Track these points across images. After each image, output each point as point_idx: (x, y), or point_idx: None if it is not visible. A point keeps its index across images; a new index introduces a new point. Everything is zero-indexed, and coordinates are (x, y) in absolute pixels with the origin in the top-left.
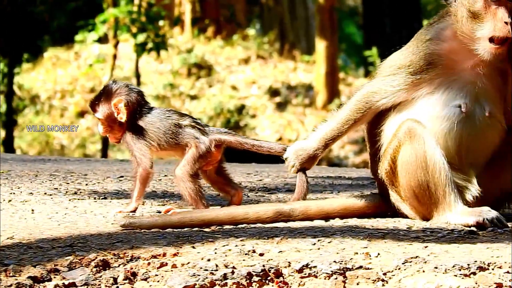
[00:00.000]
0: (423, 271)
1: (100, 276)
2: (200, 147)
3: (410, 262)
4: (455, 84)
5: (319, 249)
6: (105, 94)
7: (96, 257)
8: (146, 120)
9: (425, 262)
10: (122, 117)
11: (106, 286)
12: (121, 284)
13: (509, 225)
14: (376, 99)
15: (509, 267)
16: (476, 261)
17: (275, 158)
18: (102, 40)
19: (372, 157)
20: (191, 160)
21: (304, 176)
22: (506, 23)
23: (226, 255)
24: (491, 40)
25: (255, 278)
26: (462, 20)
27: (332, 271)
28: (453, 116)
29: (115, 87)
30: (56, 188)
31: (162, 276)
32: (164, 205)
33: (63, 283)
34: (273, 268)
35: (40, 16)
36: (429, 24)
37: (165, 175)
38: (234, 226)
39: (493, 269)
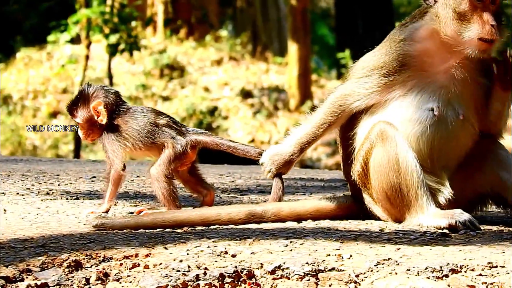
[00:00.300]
0: (396, 273)
1: (73, 277)
2: (176, 148)
3: (383, 264)
4: (429, 87)
5: (291, 250)
6: (82, 98)
7: (69, 258)
8: (122, 120)
9: (398, 264)
10: (103, 119)
11: (78, 286)
12: (93, 285)
13: (482, 228)
14: (350, 102)
15: (482, 270)
16: (448, 264)
17: (248, 160)
18: (75, 40)
19: (344, 159)
20: (167, 160)
21: (280, 181)
22: (492, 25)
23: (198, 256)
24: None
25: (228, 280)
26: (445, 21)
27: (304, 273)
28: (426, 119)
29: (91, 90)
30: (28, 188)
31: (135, 277)
32: (136, 206)
33: (36, 283)
34: (245, 269)
35: (13, 16)
36: (402, 25)
37: (138, 176)
38: (207, 227)
39: (465, 272)
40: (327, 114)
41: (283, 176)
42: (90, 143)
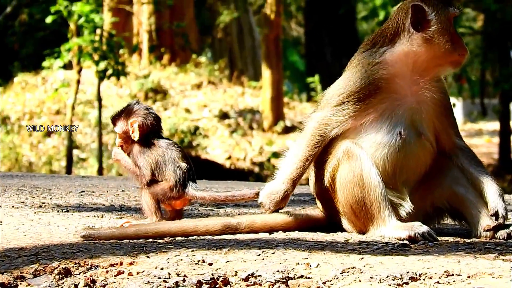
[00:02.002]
0: (360, 281)
1: (63, 283)
2: (173, 191)
3: (348, 272)
4: (398, 109)
5: (263, 259)
6: (126, 112)
7: (59, 265)
8: (153, 143)
9: (361, 272)
10: (135, 136)
11: None
12: None
13: (439, 239)
14: (329, 130)
15: (439, 278)
16: (408, 272)
17: (224, 175)
18: (67, 66)
19: (313, 175)
20: (161, 190)
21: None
22: (462, 42)
23: (178, 264)
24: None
25: (205, 286)
26: (440, 44)
27: (275, 280)
28: (395, 143)
29: (136, 108)
30: (23, 202)
31: (119, 283)
32: (121, 217)
33: None
34: (221, 276)
35: (11, 45)
36: (369, 49)
37: (123, 190)
38: (186, 238)
39: (424, 280)
40: (311, 147)
41: (253, 190)
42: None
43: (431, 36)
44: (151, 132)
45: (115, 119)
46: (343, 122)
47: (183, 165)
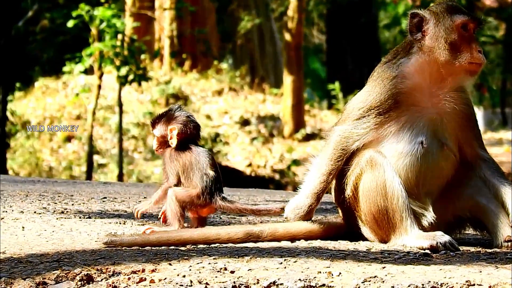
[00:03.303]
0: None
1: None
2: (200, 198)
3: (369, 281)
4: (419, 121)
5: (285, 268)
6: (166, 116)
7: (81, 272)
8: (189, 149)
9: (383, 281)
10: (173, 142)
11: None
12: None
13: (461, 249)
14: (350, 143)
15: (460, 287)
16: (430, 281)
17: (246, 183)
18: (88, 71)
19: (335, 184)
20: (188, 196)
21: None
22: (479, 51)
23: (200, 272)
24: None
25: None
26: (437, 52)
27: None
28: (416, 152)
29: (177, 114)
30: (45, 208)
31: None
32: (143, 224)
33: None
34: (243, 284)
35: (32, 49)
36: (389, 60)
37: (145, 197)
38: (208, 246)
39: None
40: (333, 161)
41: (274, 198)
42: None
43: (431, 44)
44: (188, 140)
45: (155, 122)
46: (364, 135)
47: (211, 173)
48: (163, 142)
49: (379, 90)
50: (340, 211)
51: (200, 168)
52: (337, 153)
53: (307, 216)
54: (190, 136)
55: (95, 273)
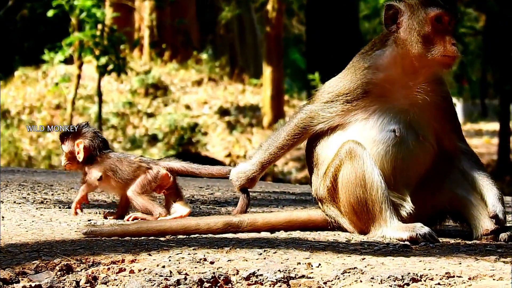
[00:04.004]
0: (361, 281)
1: (64, 279)
2: (150, 173)
3: (349, 272)
4: (390, 111)
5: (265, 258)
6: (74, 132)
7: (61, 262)
8: (102, 159)
9: (362, 273)
10: (80, 157)
11: None
12: (83, 287)
13: (440, 240)
14: (314, 124)
15: (440, 279)
16: (409, 273)
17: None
18: (68, 61)
19: (313, 174)
20: (140, 183)
21: (246, 195)
22: (453, 44)
23: (179, 263)
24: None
25: (206, 285)
26: (411, 44)
27: (276, 279)
28: (388, 139)
29: (83, 130)
30: (24, 197)
31: (121, 281)
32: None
33: (30, 285)
34: (222, 275)
35: (12, 38)
36: (365, 52)
37: None
38: (187, 236)
39: (425, 281)
40: (290, 136)
41: (255, 189)
42: None
43: (405, 37)
44: (97, 153)
45: (63, 137)
46: (329, 119)
47: (137, 159)
48: (71, 157)
49: (350, 78)
50: (319, 202)
51: (123, 157)
52: (297, 130)
53: (249, 183)
54: (97, 150)
55: (74, 263)
